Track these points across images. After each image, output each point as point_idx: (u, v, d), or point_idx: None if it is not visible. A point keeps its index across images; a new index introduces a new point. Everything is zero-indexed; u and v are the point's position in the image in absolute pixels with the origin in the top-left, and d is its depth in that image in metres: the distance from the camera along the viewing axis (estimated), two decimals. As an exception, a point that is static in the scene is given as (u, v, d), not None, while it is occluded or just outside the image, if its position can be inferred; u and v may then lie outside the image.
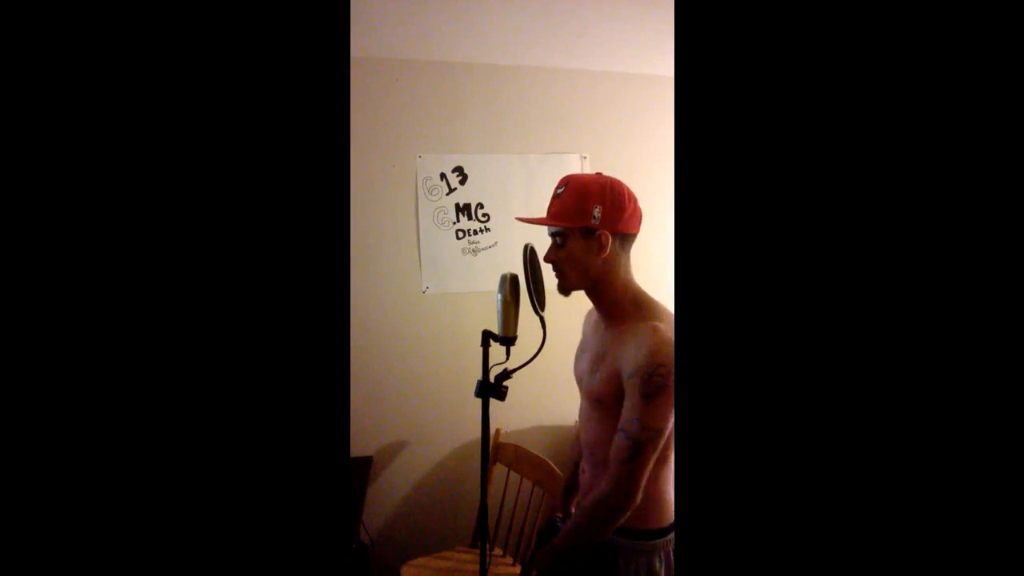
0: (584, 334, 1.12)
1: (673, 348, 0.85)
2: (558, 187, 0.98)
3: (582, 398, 1.05)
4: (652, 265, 1.97)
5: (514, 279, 0.98)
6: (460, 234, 1.89)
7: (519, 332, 0.99)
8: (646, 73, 1.99)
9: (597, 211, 0.94)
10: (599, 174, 0.99)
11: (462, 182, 1.87)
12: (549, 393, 1.93)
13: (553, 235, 0.98)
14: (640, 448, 0.86)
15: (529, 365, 0.99)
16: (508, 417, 1.90)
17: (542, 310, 0.97)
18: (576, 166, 1.97)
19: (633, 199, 0.98)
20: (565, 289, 0.99)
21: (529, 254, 0.96)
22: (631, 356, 0.89)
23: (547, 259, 0.99)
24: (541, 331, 0.98)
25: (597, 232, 0.94)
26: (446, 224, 1.88)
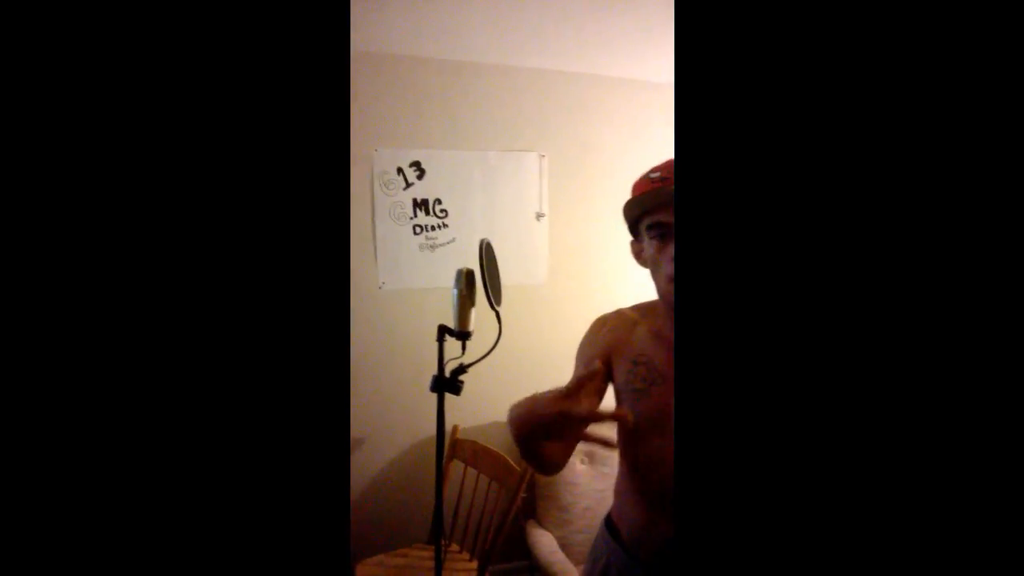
0: (624, 357, 0.87)
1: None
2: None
3: (657, 439, 0.83)
4: (608, 267, 2.01)
5: (470, 274, 0.98)
6: (417, 229, 1.87)
7: (476, 328, 0.99)
8: (603, 75, 2.03)
9: None
10: None
11: (419, 177, 1.86)
12: (506, 389, 1.93)
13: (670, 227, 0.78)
14: None
15: (486, 361, 0.99)
16: (465, 414, 1.89)
17: (498, 305, 0.97)
18: (535, 165, 1.98)
19: None
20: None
21: (485, 249, 0.96)
22: None
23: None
24: (495, 324, 0.98)
25: None
26: (403, 219, 1.86)
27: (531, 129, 1.97)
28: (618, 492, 0.93)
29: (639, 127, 2.09)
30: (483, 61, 1.88)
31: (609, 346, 0.89)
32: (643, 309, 0.90)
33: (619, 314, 0.92)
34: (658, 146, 2.06)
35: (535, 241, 2.00)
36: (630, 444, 0.89)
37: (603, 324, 0.93)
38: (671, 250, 0.75)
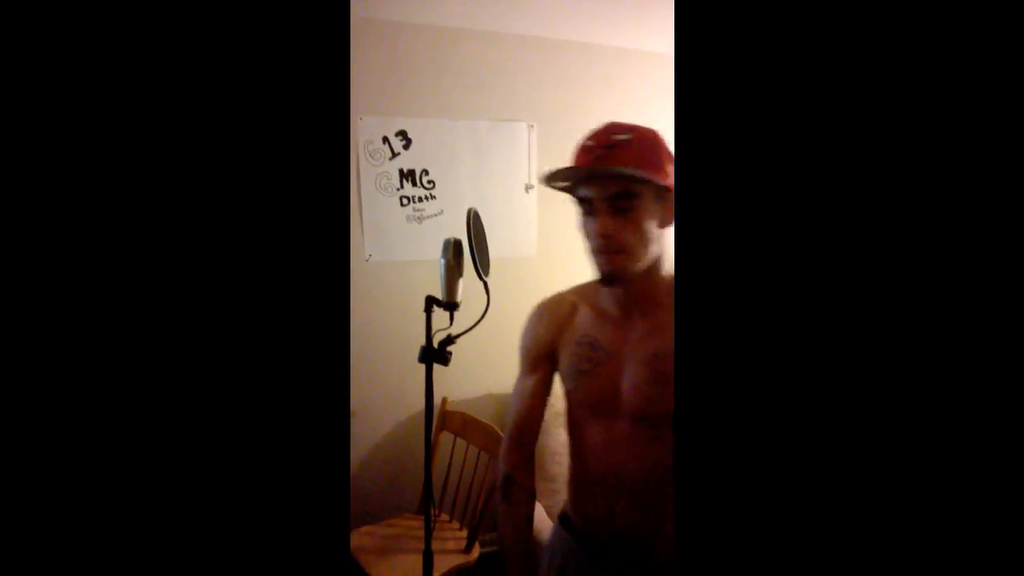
0: (568, 341, 0.86)
1: None
2: (616, 133, 0.75)
3: (607, 421, 0.82)
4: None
5: (457, 244, 0.97)
6: (404, 201, 1.84)
7: (464, 298, 0.98)
8: (596, 43, 1.98)
9: (670, 169, 0.74)
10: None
11: (406, 147, 1.82)
12: (495, 361, 1.94)
13: (617, 197, 0.73)
14: None
15: (474, 333, 0.98)
16: (455, 386, 1.90)
17: (486, 276, 0.96)
18: (524, 135, 1.95)
19: None
20: (618, 276, 0.75)
21: (473, 219, 0.95)
22: None
23: (604, 231, 0.74)
24: (485, 297, 0.97)
25: (669, 195, 0.75)
26: (389, 190, 1.82)
27: (521, 98, 1.93)
28: (570, 483, 0.92)
29: (633, 98, 2.05)
30: (471, 27, 1.83)
31: (551, 335, 0.89)
32: (583, 289, 0.89)
33: (559, 299, 0.92)
34: (652, 118, 2.02)
35: (524, 213, 1.98)
36: (580, 429, 0.87)
37: (542, 312, 0.92)
38: (595, 225, 0.75)
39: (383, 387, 1.88)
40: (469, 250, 0.93)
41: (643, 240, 0.74)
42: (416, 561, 1.02)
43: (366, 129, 1.77)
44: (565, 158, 0.91)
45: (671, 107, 0.53)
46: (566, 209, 2.19)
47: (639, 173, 0.71)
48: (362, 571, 1.50)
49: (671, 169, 0.74)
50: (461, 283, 0.97)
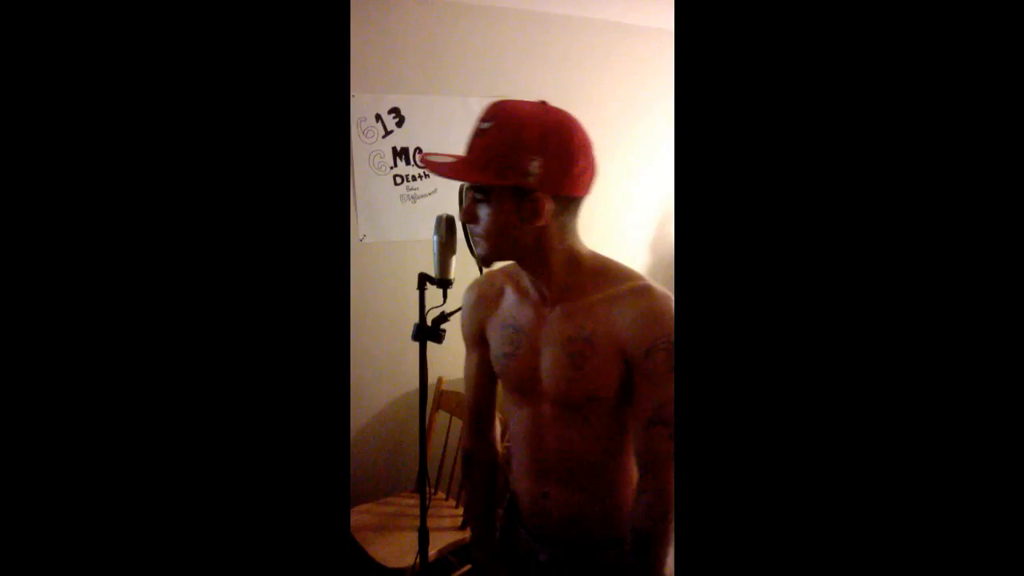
0: (495, 324, 0.87)
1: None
2: (483, 119, 0.73)
3: (533, 405, 0.83)
4: (591, 218, 1.98)
5: (450, 220, 0.95)
6: (398, 180, 1.81)
7: (457, 276, 0.97)
8: (594, 18, 1.94)
9: (535, 165, 0.68)
10: (542, 104, 0.74)
11: (399, 124, 1.79)
12: (491, 342, 1.94)
13: (471, 188, 0.75)
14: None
15: (468, 310, 0.97)
16: (451, 366, 1.89)
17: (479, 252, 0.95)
18: (519, 111, 1.92)
19: (586, 148, 0.73)
20: (485, 259, 0.78)
21: (465, 195, 0.93)
22: (643, 329, 0.71)
23: (463, 219, 0.77)
24: (478, 274, 0.96)
25: (532, 194, 0.70)
26: (383, 169, 1.80)
27: (516, 74, 1.89)
28: (510, 467, 0.93)
29: (633, 75, 2.01)
30: (469, 1, 1.79)
31: (480, 318, 0.91)
32: (512, 269, 0.88)
33: (488, 280, 0.92)
34: (651, 95, 2.00)
35: (519, 192, 1.96)
36: (510, 413, 0.89)
37: (471, 293, 0.93)
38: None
39: (378, 367, 1.87)
40: (462, 226, 0.91)
41: (493, 231, 0.74)
42: (412, 538, 1.03)
43: (359, 106, 1.74)
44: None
45: (672, 83, 0.51)
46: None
47: (474, 178, 0.71)
48: (359, 548, 1.52)
49: (538, 165, 0.69)
50: (454, 260, 0.96)
